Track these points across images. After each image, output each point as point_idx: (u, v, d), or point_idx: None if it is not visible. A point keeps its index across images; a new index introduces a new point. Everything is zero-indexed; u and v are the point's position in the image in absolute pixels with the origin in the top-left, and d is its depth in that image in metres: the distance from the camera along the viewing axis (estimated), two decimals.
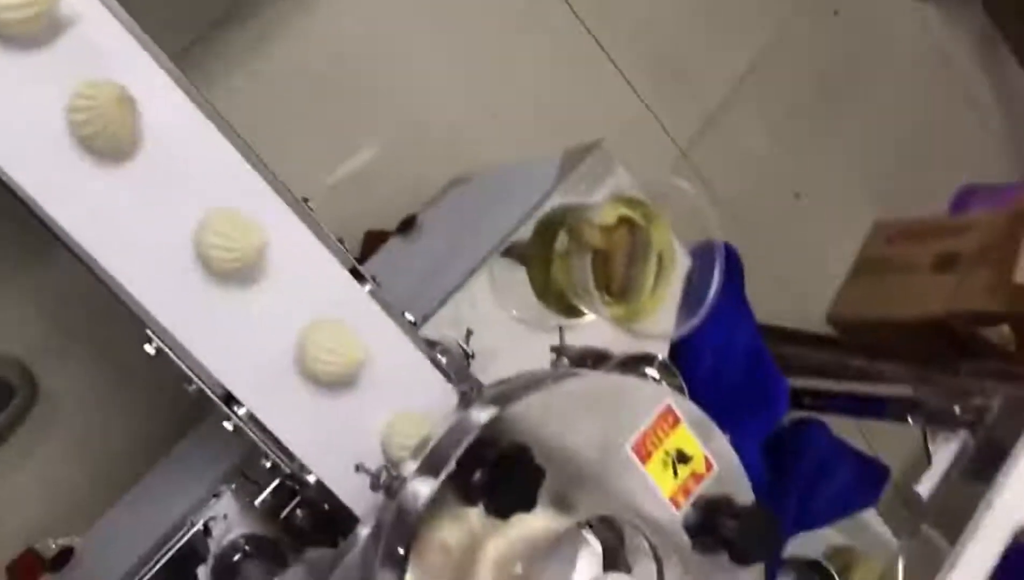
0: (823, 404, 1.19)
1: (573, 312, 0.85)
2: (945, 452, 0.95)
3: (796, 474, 1.05)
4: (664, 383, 0.82)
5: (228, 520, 0.71)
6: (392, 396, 0.67)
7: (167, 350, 0.61)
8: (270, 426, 0.63)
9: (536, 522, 0.59)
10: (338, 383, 0.65)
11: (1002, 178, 1.95)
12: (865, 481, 1.10)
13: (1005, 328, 1.57)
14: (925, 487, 0.93)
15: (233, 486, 0.71)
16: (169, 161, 0.60)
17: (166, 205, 0.60)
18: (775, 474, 1.00)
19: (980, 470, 0.90)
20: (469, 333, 0.79)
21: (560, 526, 0.60)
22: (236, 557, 0.71)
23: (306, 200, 0.67)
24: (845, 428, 1.25)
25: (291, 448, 0.64)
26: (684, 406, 0.66)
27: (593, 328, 0.84)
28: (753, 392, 0.98)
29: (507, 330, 0.86)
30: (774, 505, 1.01)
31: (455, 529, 0.59)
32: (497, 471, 0.54)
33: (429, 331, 0.80)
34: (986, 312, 1.56)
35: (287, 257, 0.63)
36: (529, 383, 0.62)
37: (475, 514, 0.57)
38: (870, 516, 1.17)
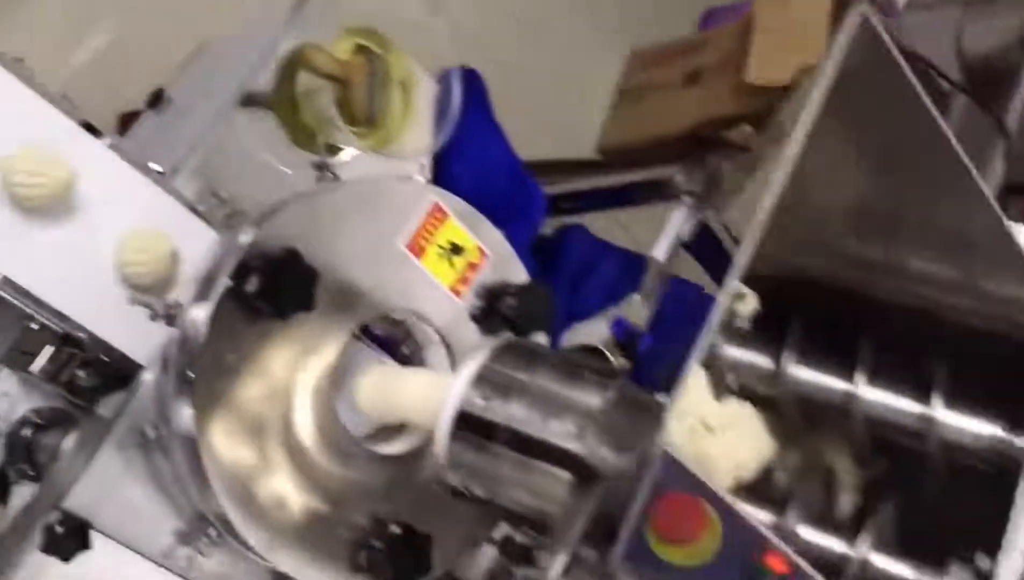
0: (580, 205, 1.28)
1: (328, 149, 0.87)
2: (675, 219, 1.07)
3: (562, 274, 1.14)
4: None
5: (11, 397, 0.70)
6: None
7: None
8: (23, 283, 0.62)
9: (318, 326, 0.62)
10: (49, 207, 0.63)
11: None
12: (627, 272, 1.21)
13: (746, 127, 1.73)
14: (660, 250, 1.05)
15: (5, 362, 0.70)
16: None
17: None
18: (545, 272, 1.09)
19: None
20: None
21: (345, 329, 0.64)
22: (25, 432, 0.71)
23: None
24: (608, 230, 1.35)
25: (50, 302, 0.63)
26: (449, 200, 0.71)
27: (353, 161, 0.87)
28: (512, 203, 1.05)
29: (270, 178, 0.87)
30: None
31: (254, 360, 0.62)
32: (269, 276, 0.57)
33: (184, 184, 0.80)
34: (727, 116, 1.70)
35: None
36: (292, 197, 0.64)
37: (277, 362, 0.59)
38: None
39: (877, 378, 0.60)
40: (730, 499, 0.46)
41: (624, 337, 0.95)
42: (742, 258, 0.45)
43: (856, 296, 0.60)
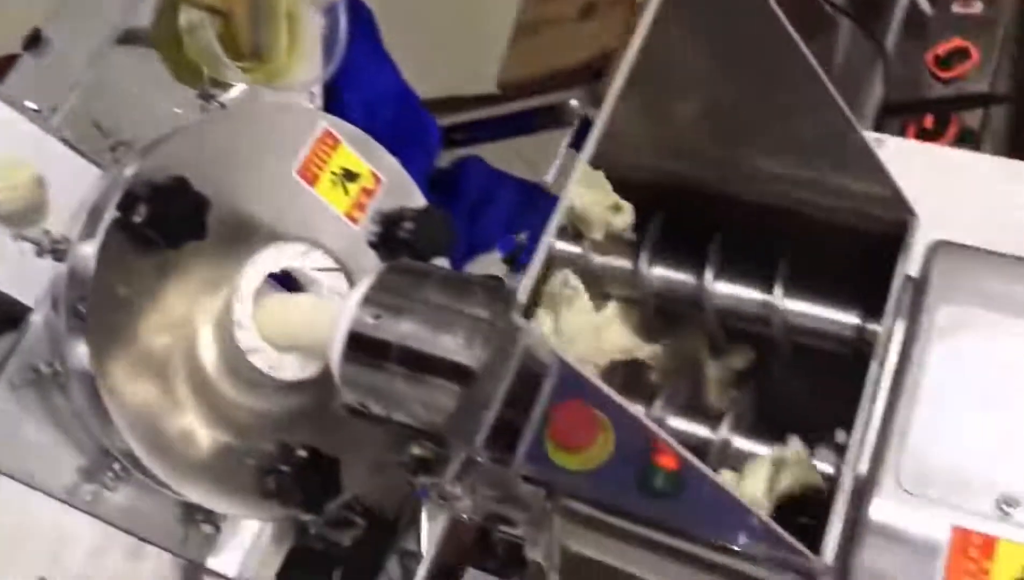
0: (475, 136, 1.29)
1: (217, 85, 0.86)
2: (565, 140, 1.09)
3: (460, 205, 1.16)
4: None
5: None
6: None
7: None
8: None
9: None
10: None
11: None
12: (527, 201, 1.23)
13: None
14: (553, 176, 1.08)
15: None
16: None
17: None
18: (444, 205, 1.10)
19: None
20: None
21: (242, 259, 0.65)
22: None
23: None
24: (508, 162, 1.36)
25: None
26: (341, 127, 0.71)
27: (241, 96, 0.86)
28: (405, 132, 1.06)
29: (157, 116, 0.86)
30: None
31: (151, 294, 0.62)
32: (156, 204, 0.57)
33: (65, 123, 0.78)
34: (621, 48, 1.72)
35: None
36: (179, 129, 0.64)
37: (176, 296, 0.59)
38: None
39: (726, 272, 0.63)
40: (621, 400, 0.49)
41: (510, 252, 0.97)
42: (588, 151, 0.47)
43: (712, 197, 0.63)
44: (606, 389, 0.48)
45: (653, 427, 0.49)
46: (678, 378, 0.65)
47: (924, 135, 1.29)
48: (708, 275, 0.62)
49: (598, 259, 0.65)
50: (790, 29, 0.50)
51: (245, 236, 0.66)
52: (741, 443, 0.61)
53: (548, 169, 1.14)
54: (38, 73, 1.05)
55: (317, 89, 0.91)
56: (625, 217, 0.63)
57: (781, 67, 0.53)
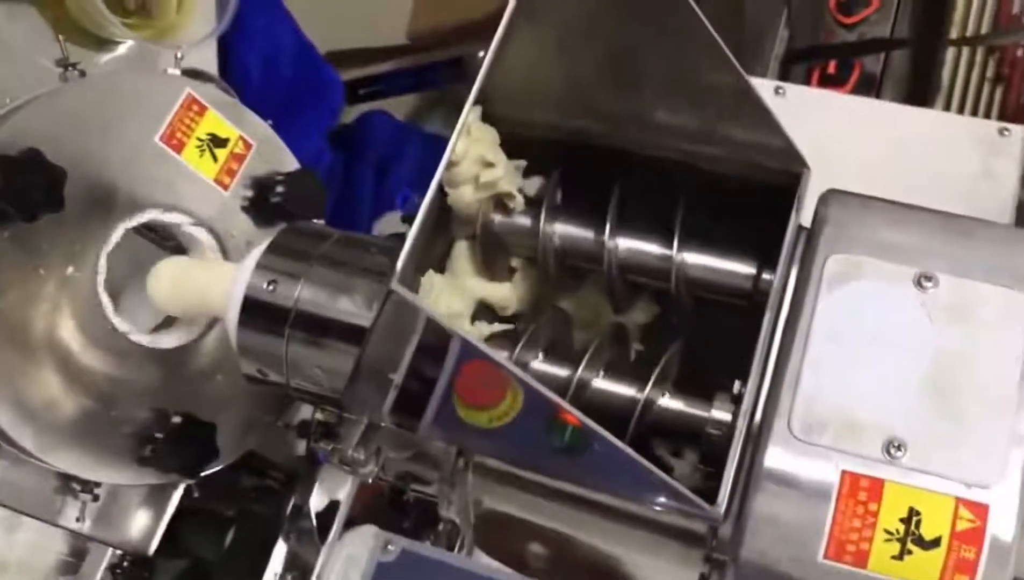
0: (381, 90, 1.27)
1: (104, 44, 0.82)
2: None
3: (366, 161, 1.14)
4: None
5: None
6: None
7: None
8: None
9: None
10: None
11: None
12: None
13: None
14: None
15: None
16: None
17: None
18: (349, 162, 1.09)
19: None
20: None
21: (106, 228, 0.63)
22: None
23: None
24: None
25: None
26: (207, 92, 0.69)
27: (132, 54, 0.83)
28: (307, 87, 1.03)
29: (38, 76, 0.82)
30: (351, 188, 1.10)
31: (10, 265, 0.59)
32: (10, 177, 0.55)
33: None
34: None
35: None
36: (33, 97, 0.61)
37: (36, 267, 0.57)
38: None
39: (625, 227, 0.63)
40: (519, 373, 0.49)
41: (409, 212, 0.96)
42: (472, 97, 0.46)
43: (610, 151, 0.62)
44: (497, 356, 0.49)
45: (548, 394, 0.49)
46: (593, 336, 0.66)
47: (827, 81, 1.31)
48: (608, 230, 0.62)
49: (496, 218, 0.65)
50: None
51: (107, 206, 0.65)
52: (663, 400, 0.61)
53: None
54: None
55: (211, 45, 0.87)
56: (496, 171, 0.63)
57: (671, 15, 0.52)
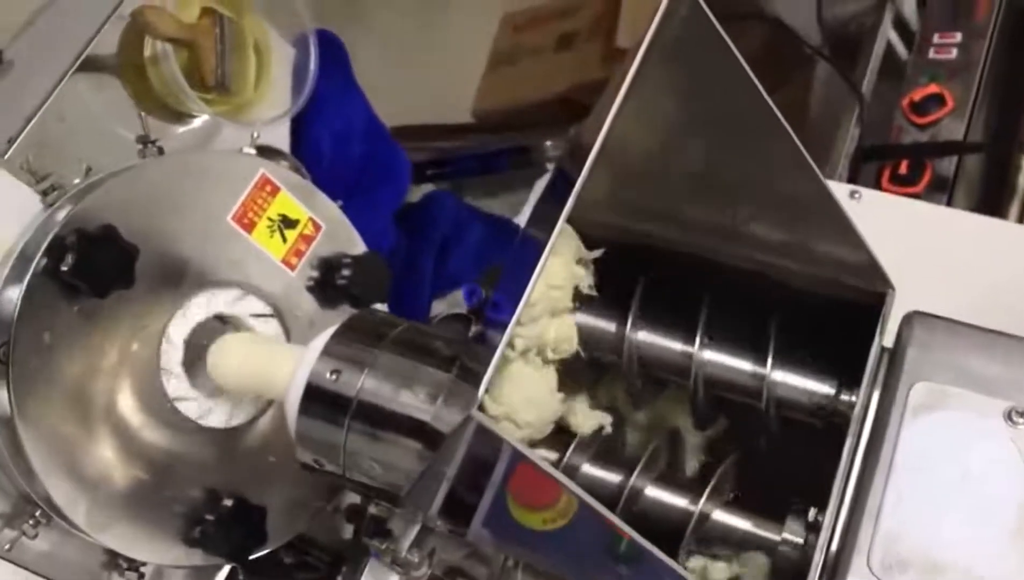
0: (448, 171, 1.27)
1: (181, 118, 0.84)
2: (541, 183, 1.08)
3: (429, 241, 1.13)
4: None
5: None
6: None
7: None
8: None
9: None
10: None
11: None
12: (495, 238, 1.21)
13: None
14: (524, 216, 1.06)
15: None
16: None
17: None
18: (413, 240, 1.09)
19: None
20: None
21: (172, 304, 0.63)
22: None
23: None
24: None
25: None
26: (281, 173, 0.70)
27: (208, 128, 0.84)
28: (376, 167, 1.04)
29: (120, 148, 0.83)
30: (413, 267, 1.10)
31: (76, 338, 0.59)
32: (84, 253, 0.55)
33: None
34: (598, 81, 1.71)
35: None
36: (112, 173, 0.62)
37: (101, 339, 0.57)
38: None
39: (714, 340, 0.62)
40: (571, 485, 0.47)
41: (475, 303, 0.96)
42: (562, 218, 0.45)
43: (697, 261, 0.61)
44: (559, 476, 0.47)
45: (602, 510, 0.47)
46: (656, 445, 0.64)
47: (898, 180, 1.29)
48: (697, 342, 0.61)
49: (580, 320, 0.64)
50: (761, 90, 0.48)
51: (175, 282, 0.65)
52: (721, 516, 0.59)
53: (520, 208, 1.12)
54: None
55: (285, 122, 0.89)
56: (589, 274, 0.61)
57: (755, 130, 0.51)
